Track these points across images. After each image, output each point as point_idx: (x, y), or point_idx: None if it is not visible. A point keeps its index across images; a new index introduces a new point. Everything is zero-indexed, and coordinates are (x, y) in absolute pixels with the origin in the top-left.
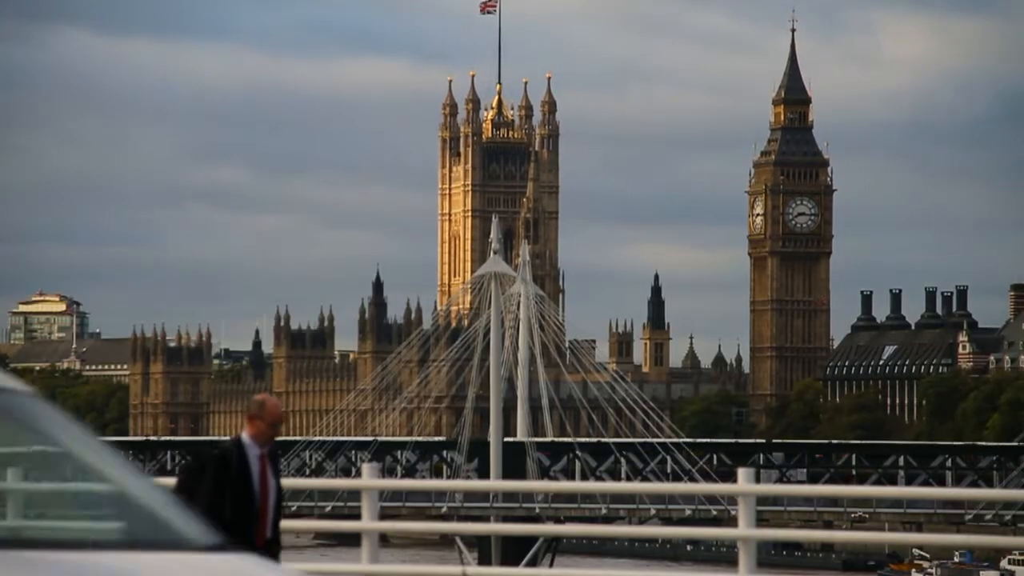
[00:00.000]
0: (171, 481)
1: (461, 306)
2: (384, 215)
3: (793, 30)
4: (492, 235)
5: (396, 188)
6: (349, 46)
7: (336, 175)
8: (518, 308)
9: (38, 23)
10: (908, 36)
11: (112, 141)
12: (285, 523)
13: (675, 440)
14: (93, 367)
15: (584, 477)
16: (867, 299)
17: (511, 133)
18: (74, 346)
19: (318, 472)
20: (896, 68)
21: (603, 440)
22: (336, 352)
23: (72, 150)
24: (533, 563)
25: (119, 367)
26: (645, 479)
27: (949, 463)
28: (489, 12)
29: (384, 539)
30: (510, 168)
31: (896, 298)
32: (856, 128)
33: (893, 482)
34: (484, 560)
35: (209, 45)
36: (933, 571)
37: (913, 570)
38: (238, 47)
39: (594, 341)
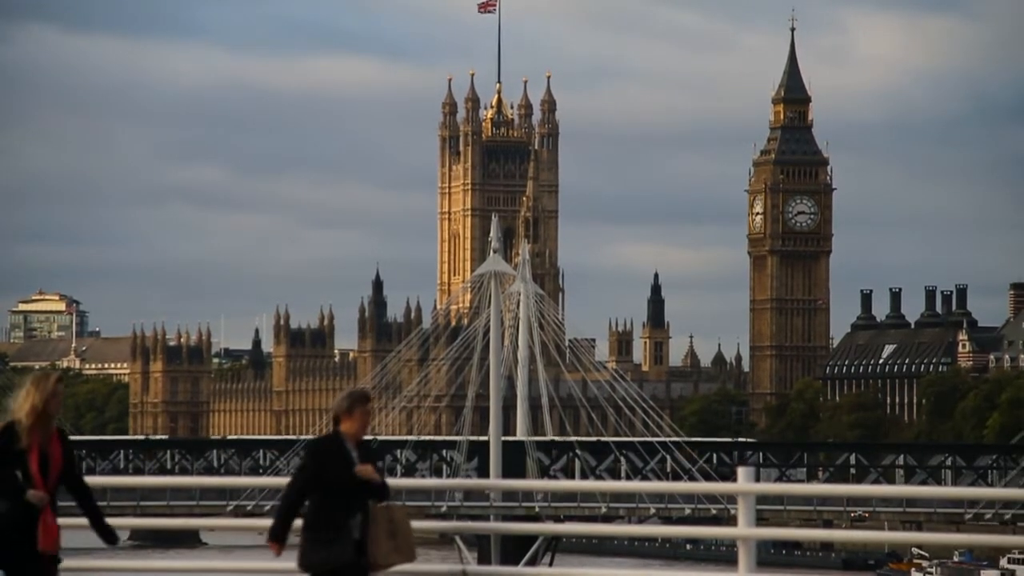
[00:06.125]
0: None
1: (461, 305)
2: (384, 214)
3: (793, 29)
4: (492, 234)
5: (396, 187)
6: (349, 46)
7: (337, 174)
8: (518, 307)
9: (10, 21)
10: (883, 35)
11: (94, 141)
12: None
13: (675, 439)
14: (93, 366)
15: (584, 476)
16: (867, 298)
17: (511, 132)
18: (73, 345)
19: None
20: (885, 67)
21: (602, 439)
22: (336, 351)
23: (56, 150)
24: (533, 562)
25: (119, 366)
26: (645, 478)
27: (948, 462)
28: (489, 11)
29: None
30: (510, 167)
31: (896, 297)
32: (855, 127)
33: (892, 481)
34: (484, 559)
35: (208, 44)
36: (933, 570)
37: (913, 569)
38: (232, 47)
39: (594, 340)
